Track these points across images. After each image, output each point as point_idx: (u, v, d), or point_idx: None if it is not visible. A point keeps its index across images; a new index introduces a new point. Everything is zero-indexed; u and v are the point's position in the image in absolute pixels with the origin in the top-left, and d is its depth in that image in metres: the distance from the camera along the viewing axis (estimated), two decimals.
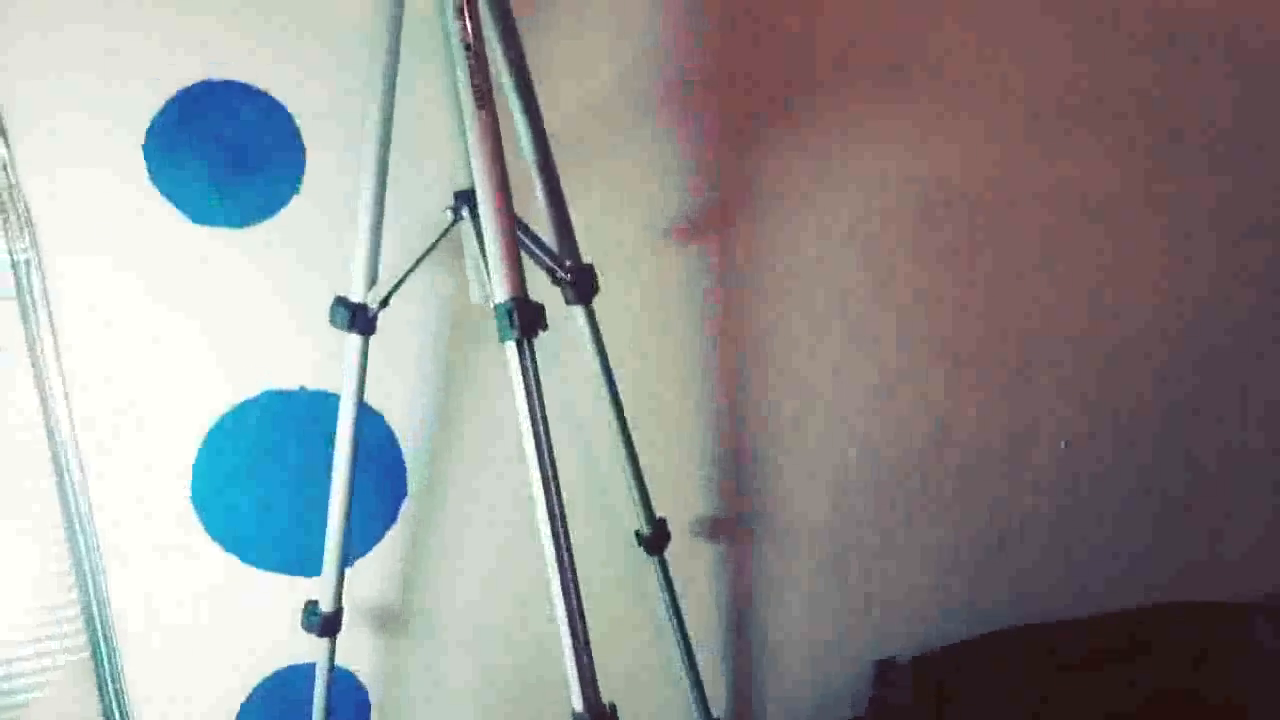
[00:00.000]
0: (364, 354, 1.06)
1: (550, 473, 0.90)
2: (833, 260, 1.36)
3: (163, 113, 1.08)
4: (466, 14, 0.90)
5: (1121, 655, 1.47)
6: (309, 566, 1.20)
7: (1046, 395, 1.50)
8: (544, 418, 0.90)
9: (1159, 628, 1.49)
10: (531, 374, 0.90)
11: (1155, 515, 1.59)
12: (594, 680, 0.91)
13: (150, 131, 1.08)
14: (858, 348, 1.39)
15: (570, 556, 0.91)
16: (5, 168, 1.04)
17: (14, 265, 1.06)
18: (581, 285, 1.10)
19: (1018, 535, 1.53)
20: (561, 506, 0.91)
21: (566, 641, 0.91)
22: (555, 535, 0.90)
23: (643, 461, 1.21)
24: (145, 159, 1.09)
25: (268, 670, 1.24)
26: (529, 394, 0.90)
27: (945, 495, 1.49)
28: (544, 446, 0.90)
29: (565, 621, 0.91)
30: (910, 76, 1.33)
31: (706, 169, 1.28)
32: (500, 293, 0.90)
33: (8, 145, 1.04)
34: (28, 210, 1.05)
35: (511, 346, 0.90)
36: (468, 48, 0.90)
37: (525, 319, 0.89)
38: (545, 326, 0.91)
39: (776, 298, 1.35)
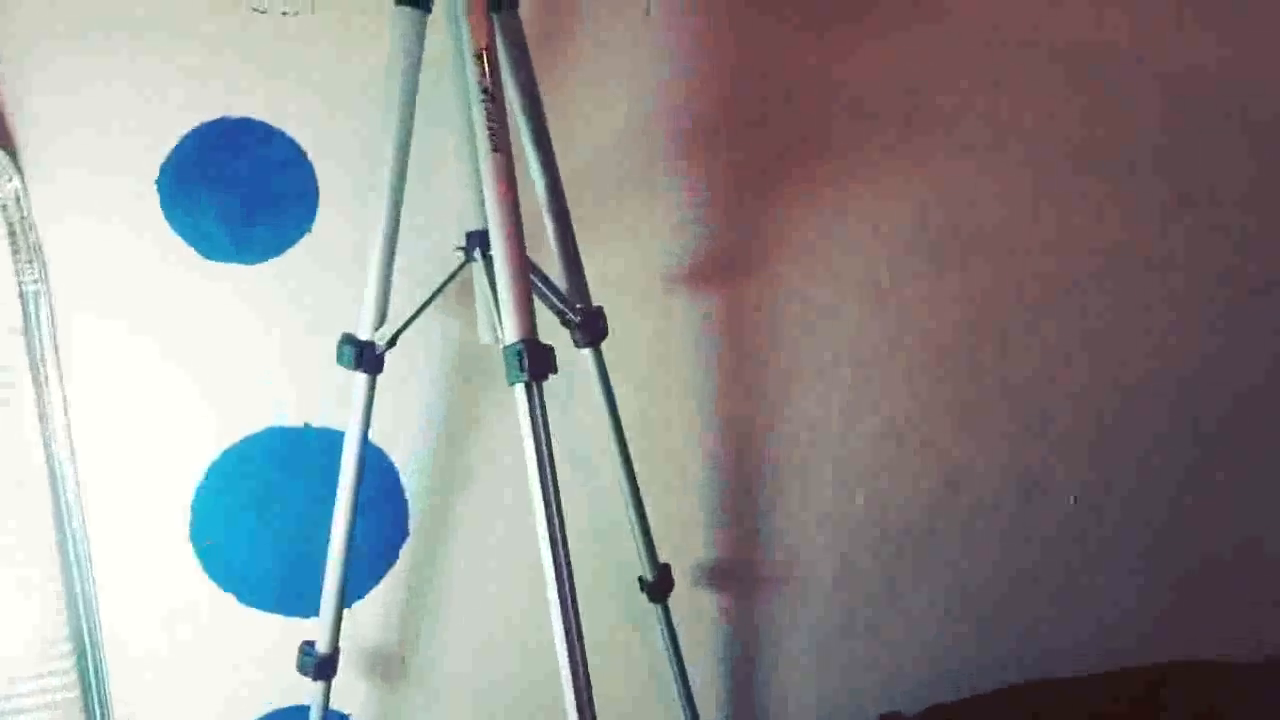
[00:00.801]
0: (370, 393, 1.06)
1: (557, 517, 0.89)
2: (842, 308, 1.36)
3: (178, 148, 1.09)
4: (485, 58, 0.90)
5: (1129, 714, 1.45)
6: (306, 607, 1.18)
7: (1056, 447, 1.49)
8: (551, 461, 0.90)
9: (1168, 686, 1.47)
10: (540, 417, 0.89)
11: (1165, 571, 1.57)
12: None
13: (165, 166, 1.09)
14: (867, 397, 1.39)
15: (575, 602, 0.89)
16: (18, 199, 1.04)
17: (22, 296, 1.05)
18: (591, 328, 1.10)
19: (1026, 589, 1.51)
20: (567, 552, 0.89)
21: (569, 690, 0.89)
22: (560, 581, 0.89)
23: (647, 506, 1.20)
24: (159, 193, 1.09)
25: (260, 711, 1.21)
26: (537, 437, 0.89)
27: (953, 547, 1.47)
28: (551, 490, 0.89)
29: (568, 669, 0.89)
30: (923, 127, 1.35)
31: (718, 215, 1.28)
32: (511, 335, 0.89)
33: (22, 177, 1.04)
34: (39, 242, 1.05)
35: (521, 389, 0.89)
36: (485, 91, 0.90)
37: (535, 361, 0.89)
38: (555, 369, 0.90)
39: (786, 345, 1.34)
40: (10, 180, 1.03)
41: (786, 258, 1.33)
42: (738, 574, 1.39)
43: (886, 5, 1.30)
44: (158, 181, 1.09)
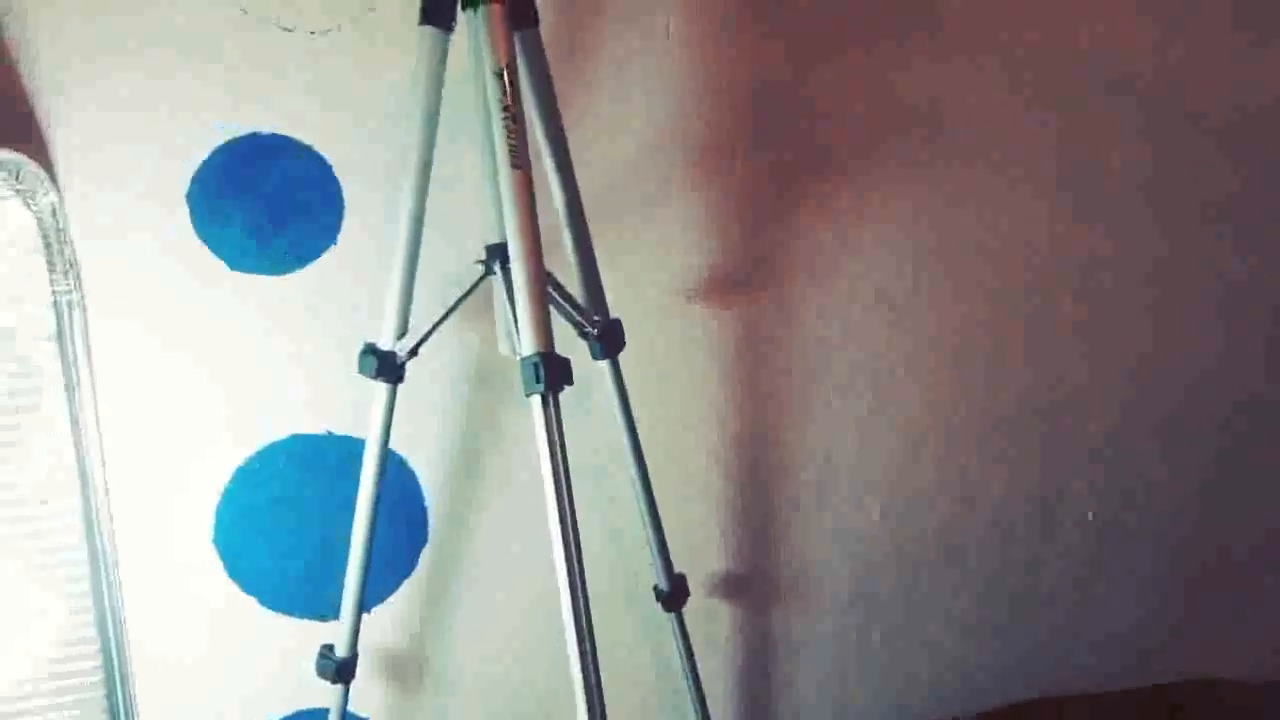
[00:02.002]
0: (391, 401, 1.07)
1: (571, 528, 0.90)
2: (859, 323, 1.36)
3: (208, 161, 1.11)
4: (506, 76, 0.92)
5: None
6: (326, 611, 1.20)
7: (1074, 464, 1.48)
8: (567, 472, 0.91)
9: (1187, 706, 1.46)
10: (556, 428, 0.91)
11: (1183, 588, 1.56)
12: None
13: (195, 179, 1.11)
14: (883, 411, 1.39)
15: (588, 613, 0.91)
16: (54, 212, 1.07)
17: (56, 305, 1.08)
18: (608, 340, 1.11)
19: (1043, 605, 1.51)
20: (581, 561, 0.91)
21: (581, 699, 0.91)
22: (573, 590, 0.90)
23: (663, 516, 1.21)
24: (189, 205, 1.12)
25: (279, 714, 1.23)
26: (553, 448, 0.91)
27: (970, 562, 1.47)
28: (565, 500, 0.91)
29: (580, 678, 0.90)
30: (939, 144, 1.35)
31: (735, 230, 1.30)
32: (528, 347, 0.91)
33: (58, 189, 1.07)
34: (74, 254, 1.08)
35: (537, 400, 0.91)
36: (505, 109, 0.92)
37: (552, 373, 0.90)
38: (571, 381, 0.92)
39: (802, 359, 1.35)
40: (47, 194, 1.06)
41: (803, 273, 1.33)
42: (753, 586, 1.39)
43: (903, 25, 1.31)
44: (188, 194, 1.12)
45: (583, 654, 0.90)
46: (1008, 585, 1.49)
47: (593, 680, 0.90)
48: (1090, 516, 1.50)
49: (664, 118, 1.24)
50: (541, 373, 0.90)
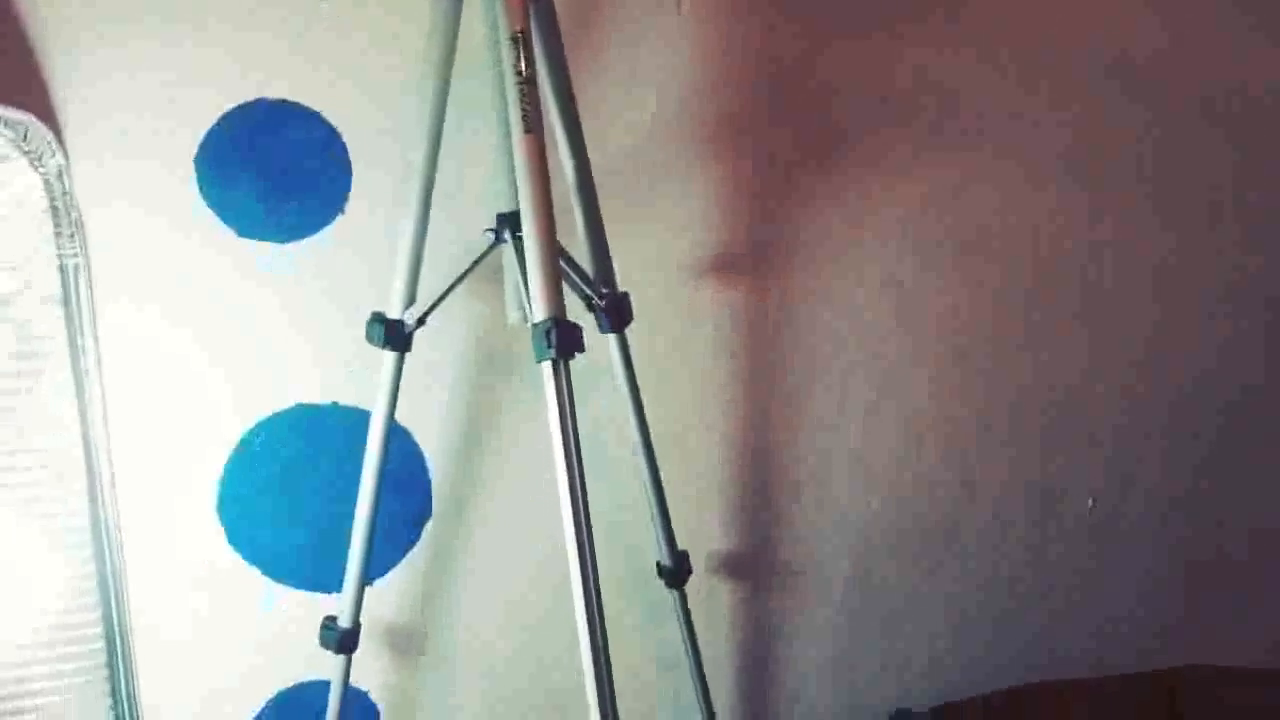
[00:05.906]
0: (398, 372, 1.07)
1: (581, 495, 0.90)
2: (865, 309, 1.36)
3: (216, 128, 1.11)
4: (521, 41, 0.92)
5: (1142, 717, 1.44)
6: (329, 583, 1.19)
7: (1076, 454, 1.49)
8: (577, 438, 0.91)
9: (1182, 690, 1.46)
10: (566, 394, 0.90)
11: (1181, 578, 1.57)
12: (615, 714, 0.90)
13: (202, 145, 1.11)
14: (887, 397, 1.39)
15: (597, 585, 0.90)
16: (61, 174, 1.06)
17: (62, 269, 1.08)
18: (616, 313, 1.11)
19: (1042, 592, 1.51)
20: (590, 530, 0.91)
21: (589, 671, 0.90)
22: (582, 559, 0.90)
23: (666, 494, 1.20)
24: (196, 172, 1.11)
25: (281, 685, 1.23)
26: (563, 414, 0.90)
27: (970, 549, 1.47)
28: (575, 467, 0.90)
29: (589, 649, 0.90)
30: (951, 130, 1.35)
31: (743, 211, 1.29)
32: (539, 313, 0.91)
33: (65, 153, 1.07)
34: (80, 217, 1.08)
35: (548, 366, 0.90)
36: (519, 74, 0.92)
37: (563, 339, 0.90)
38: (582, 348, 0.92)
39: (807, 342, 1.35)
40: (54, 156, 1.05)
41: (810, 256, 1.33)
42: (753, 566, 1.39)
43: (919, 10, 1.31)
44: (195, 160, 1.11)
45: (591, 624, 0.90)
46: (1007, 574, 1.49)
47: (601, 651, 0.90)
48: (1090, 507, 1.51)
49: (673, 96, 1.24)
50: (553, 338, 0.90)
